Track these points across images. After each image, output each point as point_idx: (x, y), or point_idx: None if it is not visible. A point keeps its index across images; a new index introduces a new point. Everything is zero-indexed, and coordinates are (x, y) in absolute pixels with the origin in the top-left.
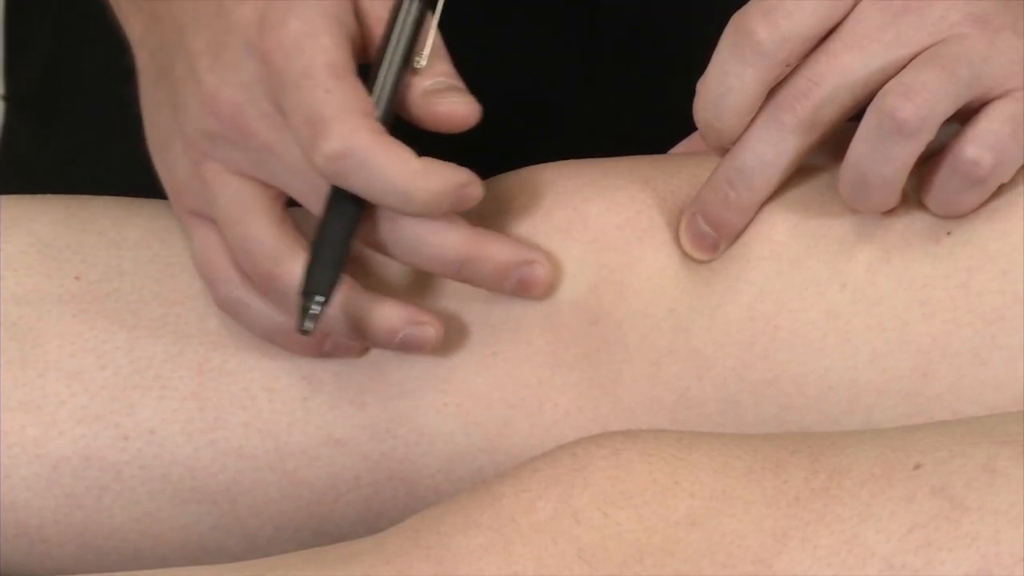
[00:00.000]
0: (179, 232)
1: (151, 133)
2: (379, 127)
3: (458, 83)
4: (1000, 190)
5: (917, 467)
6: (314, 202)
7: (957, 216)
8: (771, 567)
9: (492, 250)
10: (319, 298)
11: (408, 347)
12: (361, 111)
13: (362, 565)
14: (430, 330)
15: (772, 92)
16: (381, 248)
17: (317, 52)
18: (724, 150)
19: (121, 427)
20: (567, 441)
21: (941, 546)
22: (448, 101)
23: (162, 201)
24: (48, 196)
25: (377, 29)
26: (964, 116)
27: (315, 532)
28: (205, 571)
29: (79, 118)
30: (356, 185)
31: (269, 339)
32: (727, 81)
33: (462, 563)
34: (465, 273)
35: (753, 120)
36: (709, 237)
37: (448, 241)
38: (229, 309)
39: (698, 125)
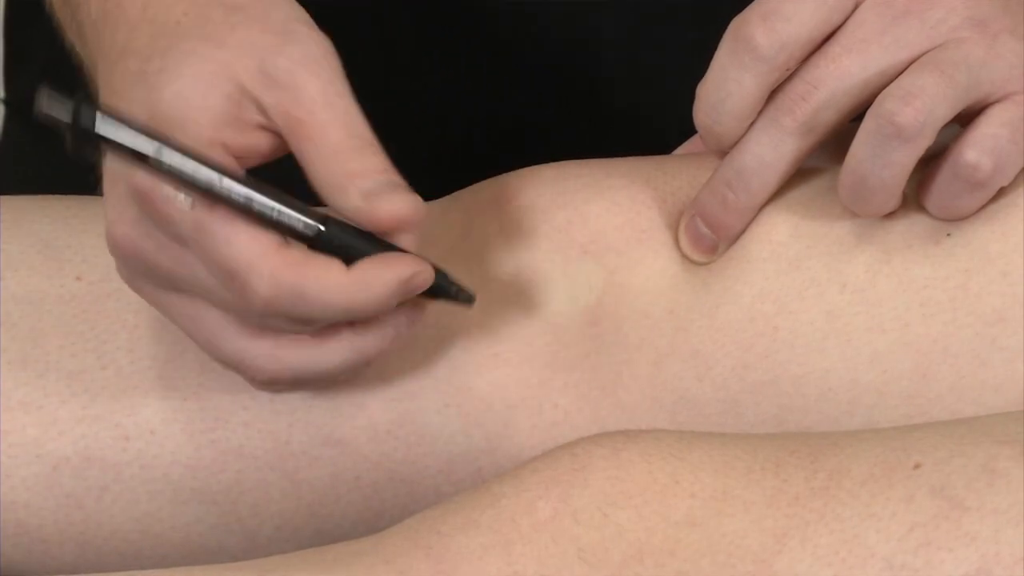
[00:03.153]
0: None
1: None
2: (297, 254)
3: (396, 178)
4: (1000, 192)
5: (917, 467)
6: (233, 306)
7: (957, 220)
8: (771, 567)
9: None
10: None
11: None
12: (271, 246)
13: (362, 565)
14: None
15: (772, 95)
16: None
17: None
18: (724, 153)
19: (122, 427)
20: (567, 442)
21: (941, 546)
22: (389, 204)
23: None
24: (49, 196)
25: (291, 89)
26: (964, 119)
27: (315, 532)
28: (205, 571)
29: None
30: (299, 316)
31: (294, 385)
32: (726, 86)
33: (462, 563)
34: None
35: (753, 123)
36: (708, 239)
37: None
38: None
39: (698, 129)
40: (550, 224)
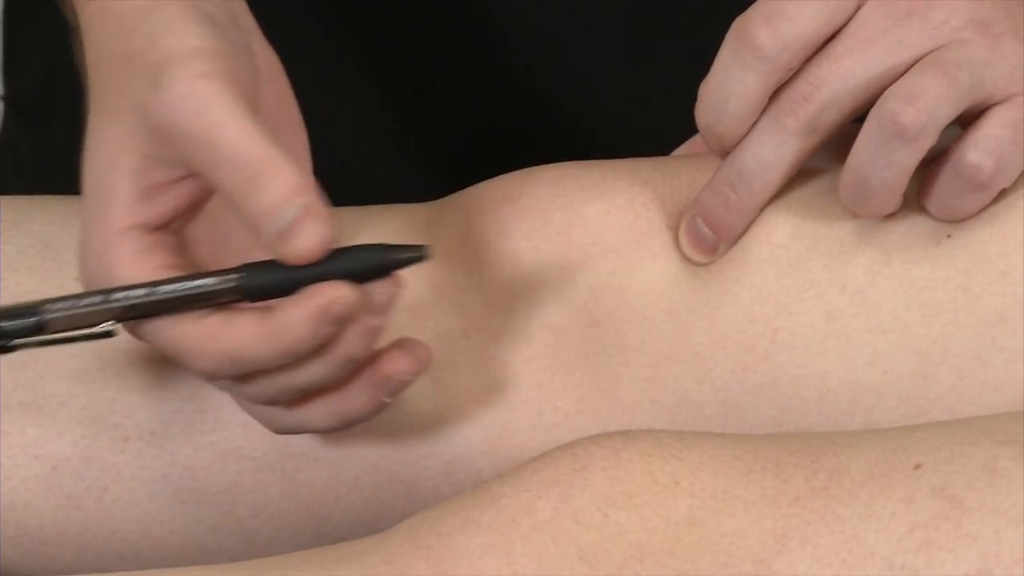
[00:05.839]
0: None
1: None
2: (215, 320)
3: (302, 199)
4: (1000, 193)
5: (917, 467)
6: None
7: (958, 221)
8: (771, 567)
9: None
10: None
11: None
12: (206, 326)
13: (362, 565)
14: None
15: (774, 95)
16: None
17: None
18: (726, 153)
19: (121, 428)
20: (567, 442)
21: (941, 546)
22: (301, 241)
23: None
24: (48, 196)
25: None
26: (966, 120)
27: (315, 533)
28: (204, 571)
29: (78, 121)
30: (241, 376)
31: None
32: (728, 86)
33: (462, 563)
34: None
35: (755, 123)
36: (708, 239)
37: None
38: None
39: (700, 129)
40: (549, 226)
